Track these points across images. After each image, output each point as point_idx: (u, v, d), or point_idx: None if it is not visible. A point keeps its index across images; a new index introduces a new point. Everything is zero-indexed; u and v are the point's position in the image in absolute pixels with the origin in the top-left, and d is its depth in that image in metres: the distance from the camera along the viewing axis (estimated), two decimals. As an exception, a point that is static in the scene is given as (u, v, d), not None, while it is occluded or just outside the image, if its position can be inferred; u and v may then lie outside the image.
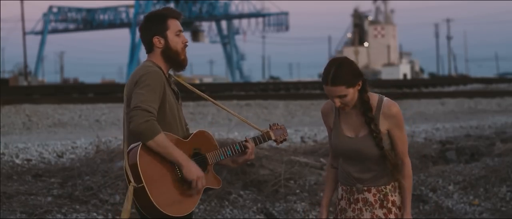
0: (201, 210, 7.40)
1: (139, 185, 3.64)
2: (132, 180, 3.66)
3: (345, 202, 3.81)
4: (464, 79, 59.62)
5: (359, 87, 3.64)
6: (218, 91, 34.35)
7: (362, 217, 3.75)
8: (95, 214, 7.08)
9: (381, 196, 3.74)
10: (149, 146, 3.67)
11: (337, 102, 3.62)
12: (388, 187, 3.75)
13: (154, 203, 3.63)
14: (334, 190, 3.96)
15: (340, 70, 3.58)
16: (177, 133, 3.87)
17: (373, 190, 3.74)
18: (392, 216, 3.74)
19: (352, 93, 3.61)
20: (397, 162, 3.71)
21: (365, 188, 3.74)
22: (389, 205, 3.74)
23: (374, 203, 3.74)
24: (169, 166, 3.75)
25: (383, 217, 3.73)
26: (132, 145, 3.74)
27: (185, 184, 3.78)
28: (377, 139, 3.64)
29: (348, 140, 3.71)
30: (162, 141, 3.68)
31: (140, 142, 3.69)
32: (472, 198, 8.10)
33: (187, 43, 3.98)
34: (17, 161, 9.46)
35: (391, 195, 3.75)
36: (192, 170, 3.75)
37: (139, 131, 3.65)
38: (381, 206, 3.73)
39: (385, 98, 3.72)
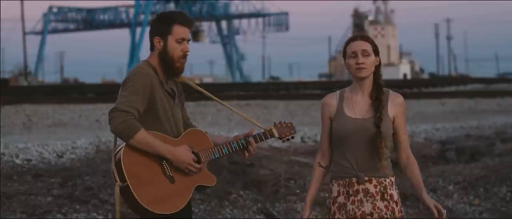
0: (201, 210, 7.39)
1: (124, 185, 3.65)
2: (117, 179, 3.66)
3: (344, 197, 3.76)
4: (464, 79, 59.64)
5: (377, 63, 3.80)
6: (218, 91, 34.31)
7: (362, 209, 3.72)
8: (95, 214, 7.08)
9: (382, 188, 3.75)
10: (131, 144, 3.68)
11: (360, 58, 3.74)
12: (388, 180, 3.77)
13: (140, 202, 3.62)
14: (318, 189, 3.94)
15: (369, 37, 3.90)
16: (170, 133, 3.86)
17: (374, 181, 3.74)
18: (390, 209, 3.73)
19: (373, 59, 3.78)
20: (384, 153, 3.73)
21: (367, 178, 3.73)
22: (388, 198, 3.75)
23: (375, 195, 3.73)
24: (157, 164, 3.74)
25: (384, 209, 3.73)
26: (119, 145, 3.76)
27: (174, 181, 3.77)
28: (380, 119, 3.70)
29: (353, 121, 3.73)
30: (143, 138, 3.68)
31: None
32: (472, 198, 8.10)
33: (187, 52, 3.95)
34: (17, 161, 9.45)
35: (390, 189, 3.77)
36: (180, 158, 3.76)
37: (117, 132, 3.68)
38: (382, 198, 3.74)
39: (390, 90, 3.87)
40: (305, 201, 3.90)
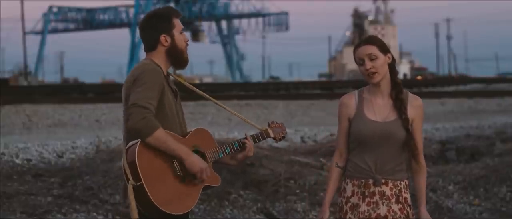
0: (201, 210, 7.39)
1: (138, 183, 3.64)
2: (130, 178, 3.65)
3: (358, 198, 3.75)
4: (464, 79, 59.70)
5: (389, 61, 3.74)
6: (218, 91, 34.38)
7: (377, 211, 3.71)
8: (95, 214, 7.07)
9: (397, 191, 3.74)
10: (148, 142, 3.66)
11: (368, 64, 3.69)
12: (403, 183, 3.77)
13: (153, 201, 3.62)
14: (336, 190, 3.93)
15: (374, 37, 3.83)
16: (176, 131, 3.86)
17: (390, 184, 3.73)
18: (405, 212, 3.74)
19: (382, 59, 3.71)
20: (417, 151, 3.74)
21: (383, 181, 3.72)
22: (403, 201, 3.75)
23: (390, 197, 3.72)
24: (169, 164, 3.74)
25: (398, 212, 3.72)
26: (131, 143, 3.72)
27: (185, 181, 3.77)
28: (406, 121, 3.69)
29: (376, 124, 3.70)
30: (161, 136, 3.67)
31: (139, 140, 3.68)
32: (472, 198, 8.10)
33: (188, 42, 4.01)
34: (17, 161, 9.46)
35: (404, 192, 3.77)
36: (194, 162, 3.75)
37: (137, 128, 3.65)
38: (397, 201, 3.73)
39: (409, 92, 3.83)
40: (323, 203, 3.87)
